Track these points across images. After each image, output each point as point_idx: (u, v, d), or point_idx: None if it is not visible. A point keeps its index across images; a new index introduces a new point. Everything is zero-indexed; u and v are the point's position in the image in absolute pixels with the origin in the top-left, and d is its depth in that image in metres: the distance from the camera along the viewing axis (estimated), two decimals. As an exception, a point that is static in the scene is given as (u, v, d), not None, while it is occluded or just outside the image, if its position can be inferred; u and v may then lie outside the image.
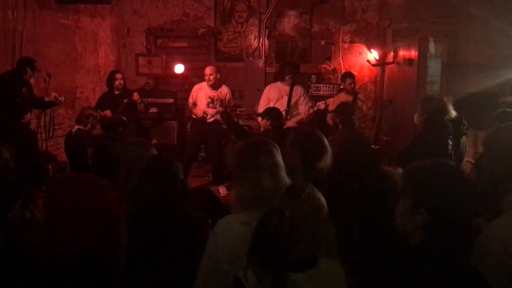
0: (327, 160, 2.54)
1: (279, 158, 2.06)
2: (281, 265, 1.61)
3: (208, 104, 6.36)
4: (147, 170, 2.48)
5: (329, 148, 2.58)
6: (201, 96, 6.40)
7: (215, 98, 6.34)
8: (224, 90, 6.46)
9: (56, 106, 6.06)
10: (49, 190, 1.51)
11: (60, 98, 5.76)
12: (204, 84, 6.42)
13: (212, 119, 6.37)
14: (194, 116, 6.50)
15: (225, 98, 6.44)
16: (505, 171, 1.85)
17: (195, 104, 6.50)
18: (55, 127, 6.83)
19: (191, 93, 6.53)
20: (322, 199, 1.72)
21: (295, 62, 6.41)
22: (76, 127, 5.16)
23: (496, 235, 1.71)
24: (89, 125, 5.19)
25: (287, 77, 5.96)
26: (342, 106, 5.12)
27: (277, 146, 2.12)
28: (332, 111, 5.40)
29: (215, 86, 6.37)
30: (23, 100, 5.38)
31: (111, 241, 1.50)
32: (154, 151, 3.00)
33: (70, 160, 5.35)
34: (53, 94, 5.70)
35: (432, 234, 1.54)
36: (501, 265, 1.68)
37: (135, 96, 6.25)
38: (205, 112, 6.37)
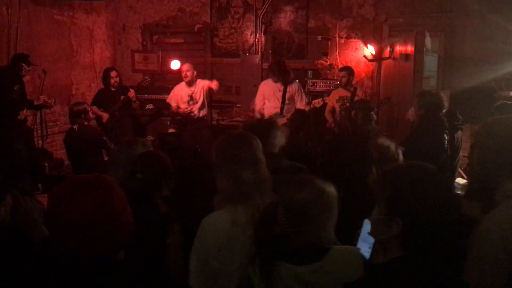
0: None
1: (260, 152, 2.06)
2: (284, 259, 1.61)
3: (188, 102, 6.38)
4: (136, 166, 2.50)
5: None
6: (182, 96, 6.42)
7: (193, 95, 6.38)
8: (200, 82, 6.51)
9: (46, 109, 6.01)
10: (51, 195, 1.43)
11: (49, 101, 5.73)
12: (182, 83, 6.46)
13: (198, 115, 6.44)
14: (180, 116, 6.53)
15: (203, 89, 6.44)
16: (497, 163, 1.84)
17: (178, 107, 6.52)
18: (51, 123, 6.82)
19: (171, 97, 6.53)
20: (327, 190, 1.69)
21: (282, 61, 6.38)
22: (76, 126, 4.94)
23: (494, 226, 1.69)
24: (85, 121, 4.98)
25: (276, 77, 6.02)
26: (361, 102, 5.14)
27: (258, 139, 2.12)
28: (351, 109, 5.31)
29: (191, 82, 6.39)
30: (13, 98, 5.32)
31: (122, 242, 1.45)
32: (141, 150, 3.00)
33: (74, 156, 5.17)
34: (42, 97, 5.66)
35: (409, 245, 1.46)
36: (498, 257, 1.65)
37: (131, 93, 6.25)
38: (190, 111, 6.40)
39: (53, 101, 5.87)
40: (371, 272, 1.58)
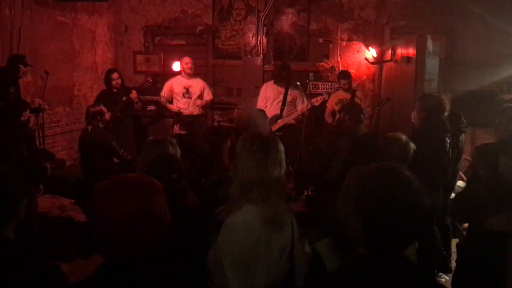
0: None
1: (283, 156, 2.20)
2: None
3: (183, 95, 6.46)
4: (151, 166, 2.57)
5: None
6: (176, 87, 6.50)
7: (190, 89, 6.45)
8: (200, 81, 6.58)
9: (40, 113, 6.01)
10: (95, 196, 1.41)
11: (44, 105, 5.76)
12: (178, 76, 6.57)
13: (196, 112, 6.53)
14: (172, 110, 6.62)
15: (201, 90, 6.54)
16: None
17: (169, 100, 6.60)
18: (53, 124, 6.83)
19: (164, 89, 6.62)
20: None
21: (288, 64, 6.43)
22: (90, 126, 5.00)
23: None
24: (100, 123, 5.03)
25: (282, 81, 6.08)
26: (354, 108, 5.17)
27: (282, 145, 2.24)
28: (341, 110, 5.36)
29: (190, 76, 6.49)
30: (9, 100, 5.32)
31: (160, 243, 1.45)
32: (175, 149, 3.06)
33: (85, 156, 5.17)
34: (37, 100, 5.67)
35: (371, 245, 1.46)
36: None
37: (133, 94, 6.26)
38: (179, 109, 6.47)
39: (48, 104, 5.89)
40: (336, 271, 1.60)
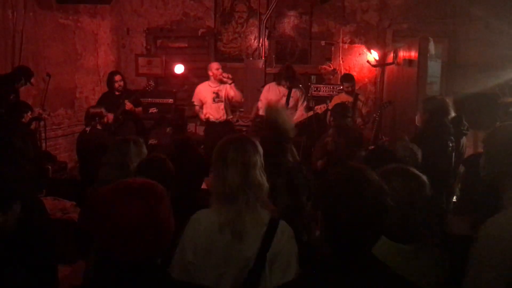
0: None
1: (255, 157, 2.02)
2: None
3: (214, 100, 6.29)
4: (139, 171, 2.54)
5: None
6: (206, 94, 6.32)
7: (219, 93, 6.27)
8: (228, 86, 6.37)
9: (40, 121, 5.99)
10: (100, 198, 1.42)
11: (44, 114, 5.76)
12: (204, 83, 6.39)
13: (222, 118, 6.33)
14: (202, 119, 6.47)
15: (227, 92, 6.33)
16: (503, 169, 1.85)
17: (201, 106, 6.41)
18: (55, 127, 6.84)
19: (195, 96, 6.43)
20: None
21: (292, 67, 6.42)
22: (89, 128, 5.01)
23: (496, 231, 1.67)
24: (98, 125, 5.04)
25: (284, 82, 6.07)
26: (337, 106, 5.17)
27: (257, 145, 2.08)
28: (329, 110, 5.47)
29: (219, 81, 6.30)
30: (10, 105, 5.33)
31: (164, 248, 1.45)
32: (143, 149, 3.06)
33: (83, 158, 5.22)
34: (37, 110, 5.67)
35: (331, 244, 1.47)
36: (497, 263, 1.63)
37: (128, 106, 6.11)
38: (208, 117, 6.33)
39: (48, 112, 5.89)
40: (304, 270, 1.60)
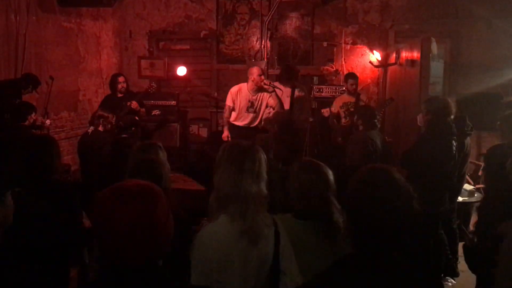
0: None
1: (263, 169, 2.11)
2: None
3: (248, 109, 5.92)
4: (133, 173, 2.51)
5: None
6: (242, 100, 5.93)
7: (254, 102, 5.90)
8: (264, 94, 5.96)
9: (42, 130, 6.00)
10: (98, 201, 1.40)
11: (46, 123, 5.79)
12: (243, 86, 5.99)
13: (248, 124, 5.97)
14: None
15: (263, 103, 5.93)
16: None
17: (232, 110, 6.00)
18: (58, 129, 6.85)
19: (229, 97, 5.97)
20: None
21: (295, 68, 6.40)
22: (91, 128, 5.15)
23: None
24: (100, 126, 5.14)
25: (286, 82, 6.04)
26: (364, 108, 5.24)
27: (263, 152, 2.17)
28: (354, 114, 5.40)
29: (259, 89, 5.85)
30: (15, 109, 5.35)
31: (163, 250, 1.44)
32: (160, 154, 3.02)
33: (83, 160, 5.29)
34: (40, 118, 5.68)
35: (356, 240, 1.48)
36: None
37: (134, 104, 6.14)
38: (234, 123, 6.01)
39: (49, 122, 5.91)
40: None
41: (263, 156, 2.12)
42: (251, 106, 5.90)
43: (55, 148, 3.00)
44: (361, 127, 4.79)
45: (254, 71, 5.85)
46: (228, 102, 6.00)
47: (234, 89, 6.03)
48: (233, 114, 6.03)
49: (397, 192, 1.43)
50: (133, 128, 6.19)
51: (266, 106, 5.95)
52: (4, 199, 1.84)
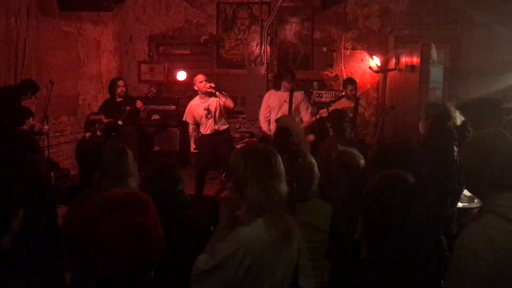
0: None
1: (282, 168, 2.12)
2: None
3: (206, 116, 5.95)
4: (149, 176, 2.53)
5: None
6: (199, 111, 5.99)
7: (210, 108, 5.93)
8: (214, 98, 6.01)
9: (41, 136, 5.99)
10: (85, 211, 1.40)
11: (44, 129, 5.79)
12: (195, 98, 6.08)
13: (217, 128, 6.00)
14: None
15: (218, 102, 5.98)
16: (483, 178, 1.83)
17: (197, 125, 6.09)
18: (57, 134, 6.85)
19: (188, 114, 6.08)
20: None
21: (290, 69, 6.39)
22: (88, 134, 5.06)
23: (482, 237, 1.63)
24: (98, 131, 5.07)
25: (284, 84, 5.97)
26: (333, 112, 5.11)
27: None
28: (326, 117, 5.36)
29: (206, 94, 5.91)
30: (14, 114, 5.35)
31: (154, 259, 1.43)
32: (128, 157, 3.05)
33: (81, 165, 5.25)
34: (38, 124, 5.68)
35: (371, 246, 1.49)
36: (488, 269, 1.59)
37: (139, 104, 6.18)
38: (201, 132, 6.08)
39: (47, 128, 5.91)
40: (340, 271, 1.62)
41: (279, 157, 2.13)
42: (208, 113, 5.93)
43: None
44: (331, 132, 4.72)
45: (196, 79, 5.94)
46: (189, 120, 6.09)
47: (189, 106, 6.12)
48: (201, 127, 6.05)
49: (412, 197, 1.44)
50: (113, 134, 6.14)
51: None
52: (18, 212, 1.87)
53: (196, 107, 6.04)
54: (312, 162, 2.80)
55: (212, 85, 5.94)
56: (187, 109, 6.15)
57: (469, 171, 1.86)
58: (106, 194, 1.44)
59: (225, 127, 6.09)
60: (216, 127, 5.99)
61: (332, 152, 3.10)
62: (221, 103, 5.96)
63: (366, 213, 1.52)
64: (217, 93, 5.92)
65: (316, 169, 2.78)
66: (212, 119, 5.97)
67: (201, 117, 5.99)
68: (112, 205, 1.38)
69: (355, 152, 3.01)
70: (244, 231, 1.98)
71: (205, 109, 5.97)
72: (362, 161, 2.95)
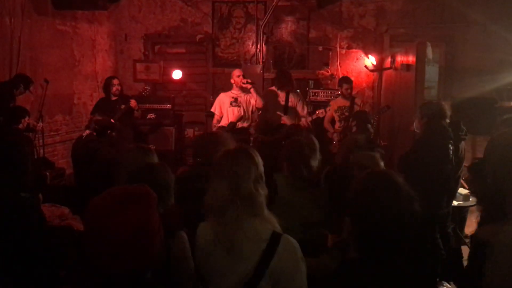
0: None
1: (249, 169, 1.95)
2: None
3: (231, 104, 5.98)
4: (134, 178, 2.45)
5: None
6: (225, 100, 6.03)
7: (239, 98, 5.97)
8: (249, 96, 6.02)
9: (33, 132, 5.97)
10: (91, 206, 1.37)
11: (38, 126, 5.77)
12: (228, 92, 6.12)
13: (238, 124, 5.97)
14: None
15: (250, 101, 6.00)
16: (506, 177, 1.79)
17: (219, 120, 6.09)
18: (52, 133, 6.82)
19: (215, 105, 6.12)
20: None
21: (286, 70, 6.42)
22: (87, 131, 5.09)
23: (506, 241, 1.60)
24: (94, 132, 5.15)
25: (284, 87, 6.03)
26: (360, 113, 5.34)
27: (255, 156, 2.01)
28: (351, 116, 5.47)
29: (242, 87, 5.94)
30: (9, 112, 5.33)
31: (154, 259, 1.42)
32: (155, 158, 2.97)
33: (76, 163, 5.24)
34: (32, 121, 5.66)
35: (360, 244, 1.49)
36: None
37: (133, 103, 6.17)
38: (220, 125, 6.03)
39: (41, 125, 5.89)
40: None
41: (245, 157, 1.98)
42: (235, 101, 5.97)
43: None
44: (354, 129, 4.83)
45: (234, 73, 6.05)
46: (215, 110, 6.11)
47: (218, 96, 6.19)
48: (223, 117, 6.06)
49: (399, 196, 1.44)
50: (108, 132, 6.11)
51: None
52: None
53: (225, 96, 6.08)
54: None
55: (249, 80, 5.96)
56: (216, 99, 6.21)
57: (494, 168, 1.79)
58: (114, 189, 1.42)
59: (245, 124, 6.04)
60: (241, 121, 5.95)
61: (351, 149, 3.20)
62: (253, 101, 5.99)
63: (353, 212, 1.51)
64: (252, 89, 5.93)
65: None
66: (236, 107, 5.97)
67: (226, 104, 5.99)
68: (125, 198, 1.36)
69: (376, 155, 3.03)
70: (197, 232, 2.06)
71: (232, 97, 6.01)
72: (382, 163, 2.97)
